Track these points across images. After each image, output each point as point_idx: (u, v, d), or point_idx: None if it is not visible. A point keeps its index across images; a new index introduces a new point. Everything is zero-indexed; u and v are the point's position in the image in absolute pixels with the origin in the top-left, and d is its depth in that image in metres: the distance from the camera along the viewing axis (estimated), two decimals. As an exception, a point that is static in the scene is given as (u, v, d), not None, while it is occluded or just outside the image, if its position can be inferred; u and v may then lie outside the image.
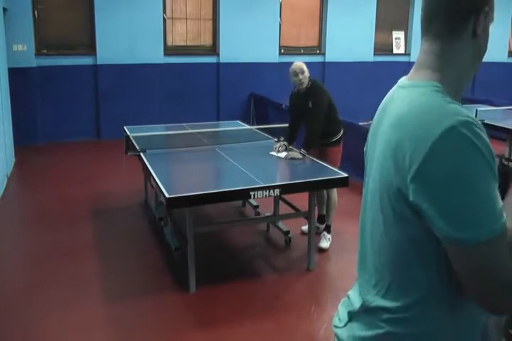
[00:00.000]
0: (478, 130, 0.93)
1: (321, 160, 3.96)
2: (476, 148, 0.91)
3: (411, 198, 0.96)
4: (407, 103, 1.03)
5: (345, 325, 1.20)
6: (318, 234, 4.18)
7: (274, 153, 4.14)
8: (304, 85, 4.00)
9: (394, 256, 1.06)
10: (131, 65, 7.89)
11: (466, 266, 0.94)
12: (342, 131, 4.16)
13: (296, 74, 3.97)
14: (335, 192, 4.15)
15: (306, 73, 3.98)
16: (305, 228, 4.18)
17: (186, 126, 5.38)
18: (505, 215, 0.93)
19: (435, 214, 0.93)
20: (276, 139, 4.46)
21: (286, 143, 4.23)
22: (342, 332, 1.20)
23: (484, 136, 0.93)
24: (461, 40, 1.06)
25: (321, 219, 4.36)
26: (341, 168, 3.85)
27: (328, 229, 4.18)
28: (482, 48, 1.11)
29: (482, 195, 0.90)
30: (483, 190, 0.90)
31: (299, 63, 4.02)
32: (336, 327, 1.24)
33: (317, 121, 3.95)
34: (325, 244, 4.09)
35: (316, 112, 3.96)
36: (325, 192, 4.23)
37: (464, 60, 1.08)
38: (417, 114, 0.98)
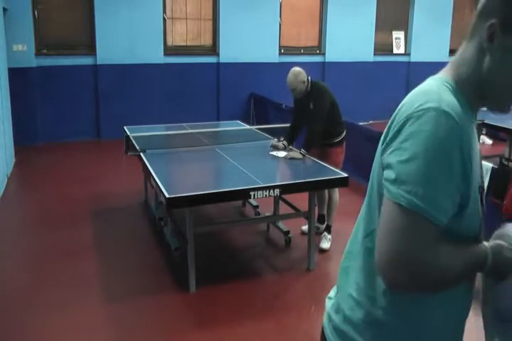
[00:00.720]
0: (456, 126, 0.93)
1: (322, 160, 3.96)
2: (438, 138, 0.91)
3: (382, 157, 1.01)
4: (415, 90, 1.05)
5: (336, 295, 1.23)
6: (319, 234, 4.18)
7: (274, 153, 4.14)
8: (303, 91, 4.02)
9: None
10: (131, 65, 7.89)
11: (382, 220, 0.97)
12: (345, 132, 4.16)
13: (291, 90, 4.02)
14: (336, 193, 4.14)
15: (301, 85, 3.97)
16: (305, 228, 4.18)
17: (186, 126, 5.38)
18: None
19: (386, 165, 0.98)
20: (276, 139, 4.47)
21: (285, 142, 4.24)
22: (329, 302, 1.24)
23: (458, 137, 0.93)
24: (474, 46, 1.02)
25: (321, 219, 4.36)
26: (342, 169, 3.84)
27: (328, 230, 4.18)
28: (488, 74, 1.00)
29: (420, 173, 0.92)
30: (421, 170, 0.92)
31: (290, 78, 3.97)
32: (330, 298, 1.26)
33: (318, 121, 3.95)
34: (325, 244, 4.09)
35: (317, 113, 3.96)
36: (326, 192, 4.23)
37: (467, 68, 1.03)
38: (415, 96, 1.00)
